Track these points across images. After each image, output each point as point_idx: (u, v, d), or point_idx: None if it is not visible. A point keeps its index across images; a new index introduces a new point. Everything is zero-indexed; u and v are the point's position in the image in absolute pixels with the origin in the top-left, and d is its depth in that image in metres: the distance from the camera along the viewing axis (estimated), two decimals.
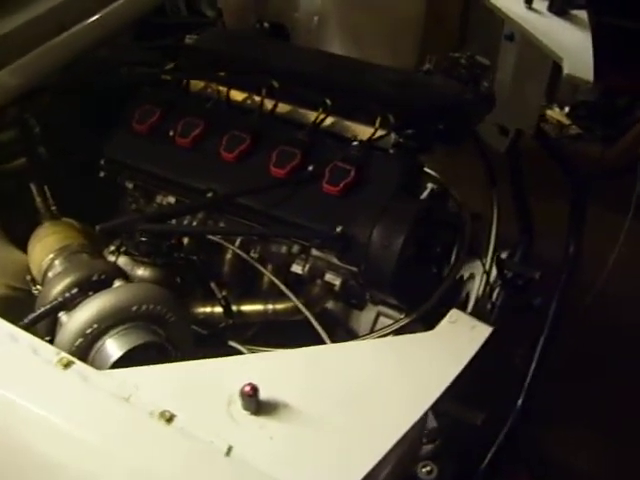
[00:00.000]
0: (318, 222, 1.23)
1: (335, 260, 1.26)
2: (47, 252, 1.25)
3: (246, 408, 0.93)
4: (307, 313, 1.21)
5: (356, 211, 1.22)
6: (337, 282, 1.31)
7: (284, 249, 1.33)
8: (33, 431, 0.88)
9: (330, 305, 1.41)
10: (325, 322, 1.40)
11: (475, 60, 1.48)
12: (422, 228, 1.26)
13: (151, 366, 0.98)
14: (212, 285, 1.28)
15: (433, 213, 1.35)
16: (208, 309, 1.32)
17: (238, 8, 1.63)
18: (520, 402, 1.53)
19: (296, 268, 1.33)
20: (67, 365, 0.94)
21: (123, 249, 1.26)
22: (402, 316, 1.35)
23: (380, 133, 1.32)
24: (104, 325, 1.08)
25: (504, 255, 1.84)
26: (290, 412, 0.95)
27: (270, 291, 1.38)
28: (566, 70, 1.55)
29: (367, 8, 1.88)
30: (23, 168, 1.41)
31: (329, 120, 1.36)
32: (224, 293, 1.36)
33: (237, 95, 1.42)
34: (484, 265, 1.62)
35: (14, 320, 1.06)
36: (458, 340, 1.07)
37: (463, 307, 1.58)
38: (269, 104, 1.39)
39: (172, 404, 0.91)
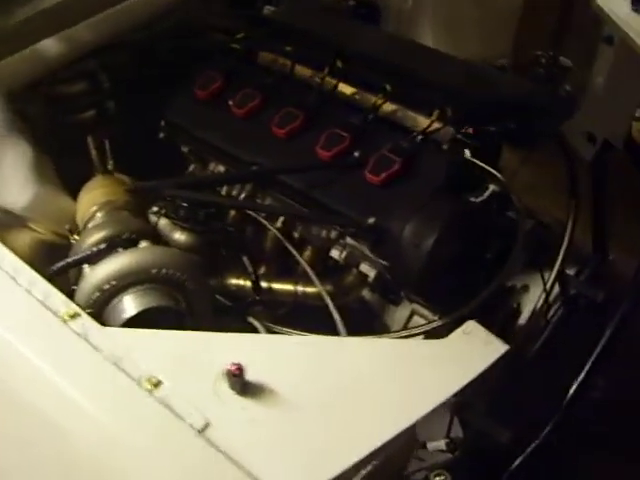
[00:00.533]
0: (355, 210, 1.20)
1: (368, 251, 1.23)
2: (92, 204, 1.28)
3: (231, 387, 0.93)
4: (328, 301, 1.19)
5: (395, 204, 1.18)
6: (372, 274, 1.28)
7: (324, 233, 1.31)
8: (22, 376, 0.92)
9: (367, 296, 1.38)
10: (360, 313, 1.38)
11: (556, 60, 1.38)
12: (465, 230, 1.20)
13: (150, 330, 0.99)
14: (244, 259, 1.28)
15: (483, 216, 1.29)
16: (241, 281, 1.32)
17: None
18: (553, 423, 1.45)
19: (334, 253, 1.30)
20: (73, 317, 0.97)
21: (164, 211, 1.28)
22: (436, 318, 1.30)
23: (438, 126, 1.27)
24: (122, 283, 1.10)
25: (571, 272, 1.74)
26: (277, 398, 0.94)
27: (307, 273, 1.37)
28: None
29: None
30: (90, 120, 1.46)
31: (390, 107, 1.32)
32: (262, 270, 1.37)
33: (303, 71, 1.40)
34: (544, 278, 1.54)
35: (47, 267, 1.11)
36: (468, 353, 1.02)
37: (512, 319, 1.51)
38: (333, 84, 1.36)
39: (162, 371, 0.92)
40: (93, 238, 1.18)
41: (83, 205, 1.30)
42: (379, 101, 1.30)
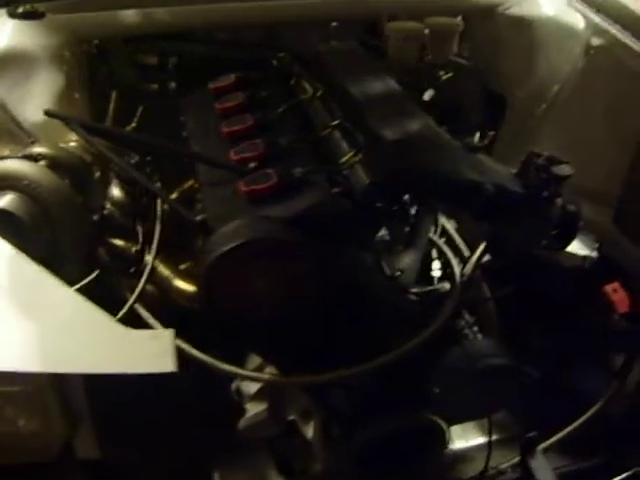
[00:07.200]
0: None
1: None
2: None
3: None
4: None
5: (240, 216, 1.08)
6: None
7: None
8: None
9: None
10: None
11: (550, 165, 1.10)
12: (288, 268, 1.03)
13: None
14: (138, 228, 1.28)
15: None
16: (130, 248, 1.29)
17: (402, 38, 1.52)
18: None
19: None
20: None
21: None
22: None
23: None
24: None
25: None
26: None
27: None
28: None
29: (600, 116, 1.53)
30: (152, 92, 1.62)
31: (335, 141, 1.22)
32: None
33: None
34: None
35: None
36: (133, 351, 0.88)
37: None
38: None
39: None
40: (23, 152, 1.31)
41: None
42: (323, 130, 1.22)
